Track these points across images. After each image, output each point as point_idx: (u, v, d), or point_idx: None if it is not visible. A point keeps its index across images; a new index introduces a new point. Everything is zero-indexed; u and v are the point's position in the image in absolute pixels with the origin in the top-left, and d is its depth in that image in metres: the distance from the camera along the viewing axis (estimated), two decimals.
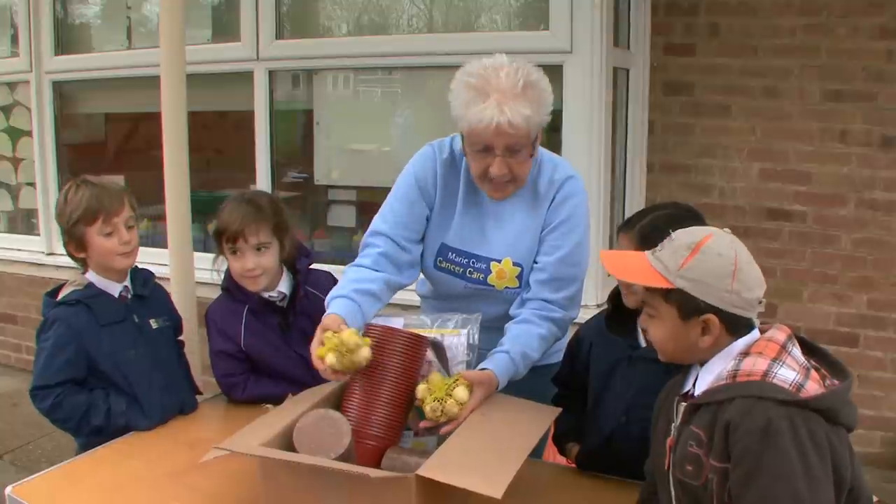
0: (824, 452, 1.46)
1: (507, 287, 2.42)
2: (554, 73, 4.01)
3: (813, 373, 1.57)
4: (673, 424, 1.67)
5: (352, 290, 2.29)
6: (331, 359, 2.00)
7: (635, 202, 4.37)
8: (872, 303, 4.10)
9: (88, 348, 2.45)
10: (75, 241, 2.50)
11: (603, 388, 2.24)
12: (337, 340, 2.01)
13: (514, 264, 2.40)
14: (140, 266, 2.67)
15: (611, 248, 4.25)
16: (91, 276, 2.54)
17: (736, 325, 1.61)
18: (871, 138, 4.00)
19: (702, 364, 1.67)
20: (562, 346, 2.56)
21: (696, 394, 1.64)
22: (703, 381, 1.64)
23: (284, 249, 2.72)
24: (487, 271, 2.42)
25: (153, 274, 2.76)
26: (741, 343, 1.61)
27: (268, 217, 2.66)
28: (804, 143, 4.11)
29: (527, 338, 2.27)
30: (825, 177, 4.10)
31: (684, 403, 1.65)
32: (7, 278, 5.92)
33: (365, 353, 2.01)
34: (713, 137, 4.27)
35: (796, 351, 1.59)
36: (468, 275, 2.44)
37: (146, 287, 2.66)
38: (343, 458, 1.86)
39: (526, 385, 2.31)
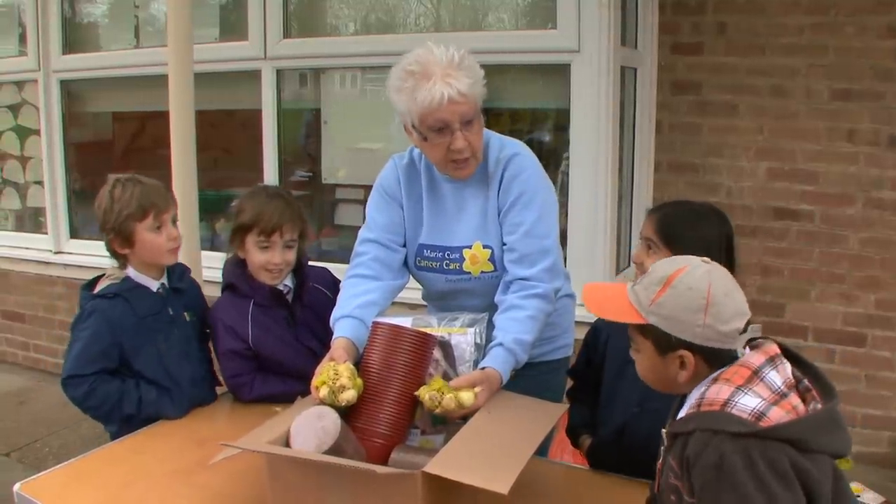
0: (790, 481, 1.41)
1: (482, 272, 2.44)
2: (561, 71, 4.04)
3: (790, 398, 1.51)
4: (662, 448, 1.66)
5: (354, 308, 2.34)
6: (324, 392, 2.02)
7: (642, 201, 4.36)
8: (880, 302, 4.09)
9: (122, 340, 2.51)
10: (122, 238, 2.53)
11: (618, 379, 2.26)
12: (332, 374, 2.03)
13: (485, 247, 2.43)
14: None
15: (619, 245, 4.25)
16: (130, 271, 2.59)
17: (715, 358, 1.57)
18: (878, 137, 3.98)
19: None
20: (569, 342, 2.57)
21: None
22: (684, 409, 1.62)
23: (302, 249, 2.76)
24: (461, 259, 2.45)
25: (188, 268, 2.82)
26: (718, 371, 1.57)
27: (298, 215, 2.72)
28: (811, 143, 4.10)
29: (515, 324, 2.27)
30: (833, 176, 4.09)
31: (664, 430, 1.64)
32: (15, 277, 5.95)
33: (348, 395, 2.02)
34: (720, 137, 4.27)
35: (773, 375, 1.53)
36: (445, 267, 2.47)
37: (183, 280, 2.72)
38: (335, 448, 1.86)
39: (533, 380, 2.33)
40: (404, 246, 2.53)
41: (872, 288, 4.09)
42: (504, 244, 2.41)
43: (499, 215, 2.42)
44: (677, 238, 2.07)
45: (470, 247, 2.44)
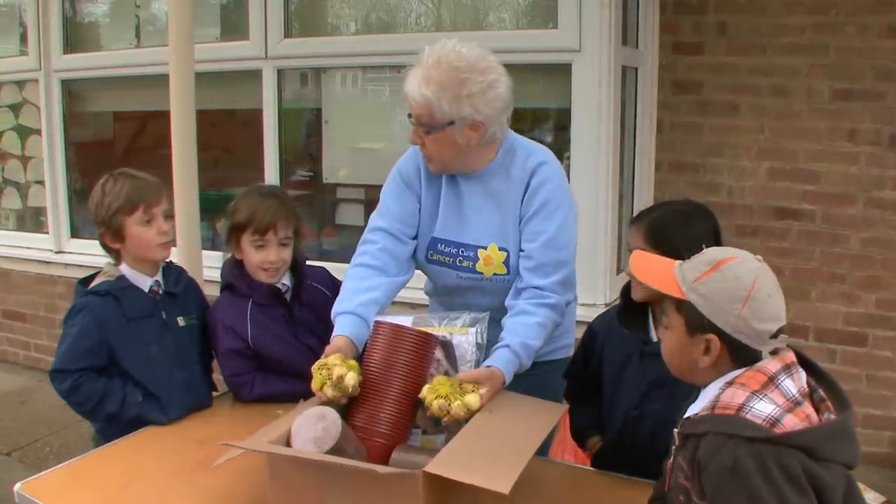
0: (804, 487, 1.41)
1: (495, 274, 2.44)
2: (562, 71, 4.04)
3: (804, 407, 1.52)
4: (674, 447, 1.66)
5: (357, 304, 2.33)
6: (328, 390, 2.02)
7: (643, 201, 4.36)
8: (881, 302, 4.08)
9: (111, 340, 2.49)
10: (112, 232, 2.53)
11: (616, 383, 2.27)
12: (325, 371, 2.03)
13: (500, 250, 2.42)
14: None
15: (619, 244, 4.25)
16: (124, 268, 2.58)
17: (740, 354, 1.57)
18: (880, 137, 3.98)
19: (704, 387, 1.65)
20: (570, 342, 2.58)
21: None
22: (697, 406, 1.62)
23: (298, 246, 2.76)
24: (475, 259, 2.44)
25: (184, 270, 2.81)
26: (735, 373, 1.57)
27: (292, 213, 2.72)
28: (813, 143, 4.10)
29: (524, 328, 2.27)
30: (834, 176, 4.09)
31: (675, 430, 1.63)
32: (16, 276, 5.95)
33: (351, 380, 2.02)
34: (721, 136, 4.27)
35: (788, 383, 1.53)
36: (458, 264, 2.47)
37: (178, 284, 2.70)
38: (336, 448, 1.87)
39: (535, 379, 2.32)
40: (414, 238, 2.52)
41: (873, 288, 4.09)
42: (521, 250, 2.40)
43: (520, 222, 2.41)
44: (669, 240, 2.06)
45: (485, 247, 2.43)
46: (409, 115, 2.35)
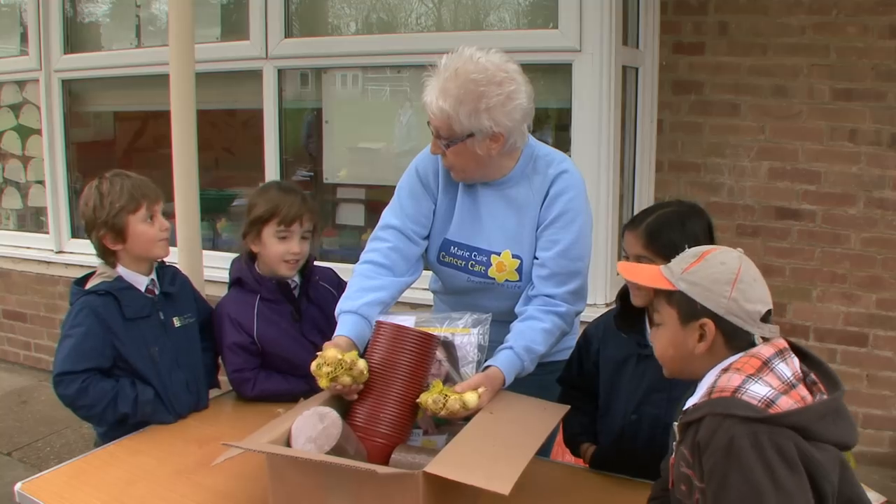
0: (796, 466, 1.43)
1: (507, 280, 2.43)
2: (563, 71, 4.04)
3: (799, 389, 1.55)
4: (674, 443, 1.67)
5: (362, 304, 2.31)
6: (344, 379, 2.02)
7: (644, 201, 4.36)
8: (881, 302, 4.09)
9: (115, 339, 2.47)
10: (115, 232, 2.51)
11: (613, 386, 2.26)
12: (335, 364, 2.02)
13: (514, 257, 2.41)
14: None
15: (620, 245, 4.25)
16: (120, 269, 2.56)
17: (734, 337, 1.60)
18: (880, 137, 3.99)
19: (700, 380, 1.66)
20: (573, 344, 2.57)
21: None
22: (695, 398, 1.64)
23: (314, 243, 2.80)
24: (488, 264, 2.43)
25: (178, 269, 2.81)
26: (731, 359, 1.60)
27: (314, 208, 2.77)
28: (813, 142, 4.10)
29: (530, 333, 2.28)
30: (834, 176, 4.09)
31: (675, 423, 1.65)
32: (16, 276, 5.95)
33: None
34: (722, 136, 4.27)
35: (782, 367, 1.56)
36: (470, 268, 2.46)
37: (174, 284, 2.69)
38: (336, 448, 1.87)
39: (536, 381, 2.32)
40: (426, 238, 2.51)
41: (874, 288, 4.09)
42: (536, 258, 2.39)
43: (537, 228, 2.40)
44: (669, 243, 2.04)
45: (499, 254, 2.42)
46: (429, 123, 2.34)
